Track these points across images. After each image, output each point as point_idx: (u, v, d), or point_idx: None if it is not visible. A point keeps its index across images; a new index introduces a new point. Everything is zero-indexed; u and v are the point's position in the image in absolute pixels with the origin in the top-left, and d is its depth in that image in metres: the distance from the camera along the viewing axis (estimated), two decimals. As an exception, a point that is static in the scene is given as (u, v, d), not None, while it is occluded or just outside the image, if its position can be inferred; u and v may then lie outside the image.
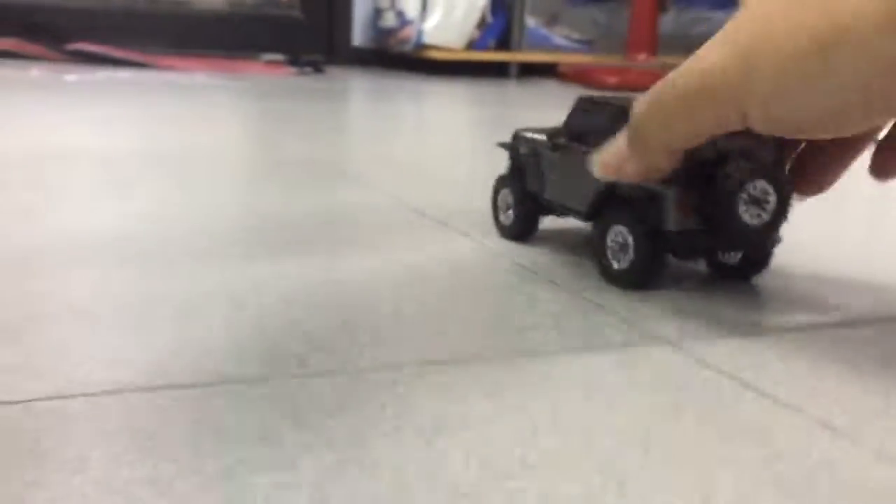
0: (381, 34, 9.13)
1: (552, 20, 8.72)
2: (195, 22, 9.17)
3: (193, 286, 1.54)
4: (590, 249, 1.52)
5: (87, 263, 1.77)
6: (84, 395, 1.04)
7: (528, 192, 1.67)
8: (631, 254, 1.36)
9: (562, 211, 1.61)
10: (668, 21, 8.69)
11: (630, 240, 1.35)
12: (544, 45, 8.50)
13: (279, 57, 8.57)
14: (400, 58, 8.46)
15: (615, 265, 1.41)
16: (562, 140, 1.53)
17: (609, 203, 1.41)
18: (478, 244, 1.83)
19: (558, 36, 8.67)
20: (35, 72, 7.14)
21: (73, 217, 2.30)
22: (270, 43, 8.76)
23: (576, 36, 8.72)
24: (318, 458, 0.89)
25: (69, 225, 2.27)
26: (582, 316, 1.35)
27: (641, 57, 8.38)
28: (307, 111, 5.49)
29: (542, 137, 1.60)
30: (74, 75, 7.05)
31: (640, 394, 1.09)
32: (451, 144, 4.35)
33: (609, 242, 1.41)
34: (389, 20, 9.11)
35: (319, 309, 1.38)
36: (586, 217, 1.49)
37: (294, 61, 8.43)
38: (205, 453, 0.89)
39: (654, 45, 8.51)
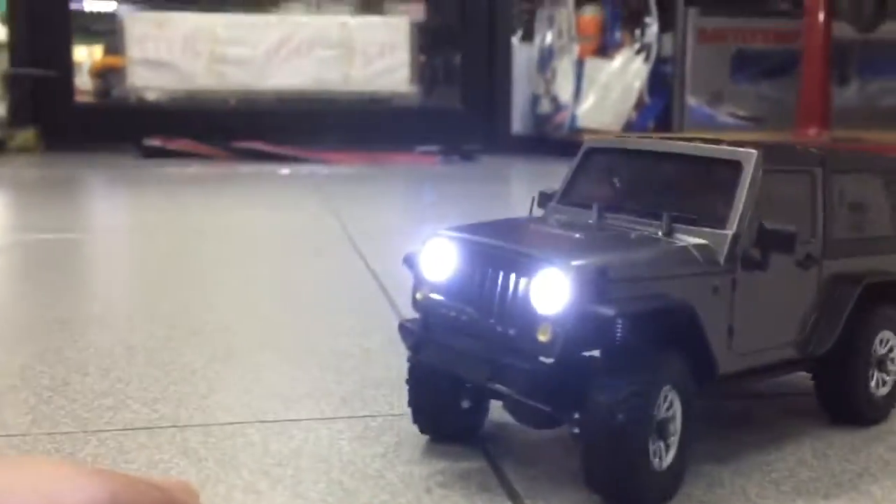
0: (539, 120, 9.03)
1: (716, 98, 8.39)
2: (357, 119, 9.38)
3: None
4: None
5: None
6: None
7: None
8: None
9: None
10: (852, 93, 8.17)
11: None
12: (708, 123, 8.16)
13: (433, 148, 8.63)
14: (558, 143, 8.30)
15: None
16: None
17: None
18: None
19: (723, 114, 8.31)
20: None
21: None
22: (432, 134, 8.80)
23: (742, 113, 8.34)
24: None
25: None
26: None
27: (812, 132, 7.88)
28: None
29: None
30: (248, 167, 7.25)
31: None
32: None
33: None
34: (545, 106, 9.03)
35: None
36: None
37: (444, 151, 8.49)
38: None
39: (827, 118, 8.00)
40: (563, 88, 8.73)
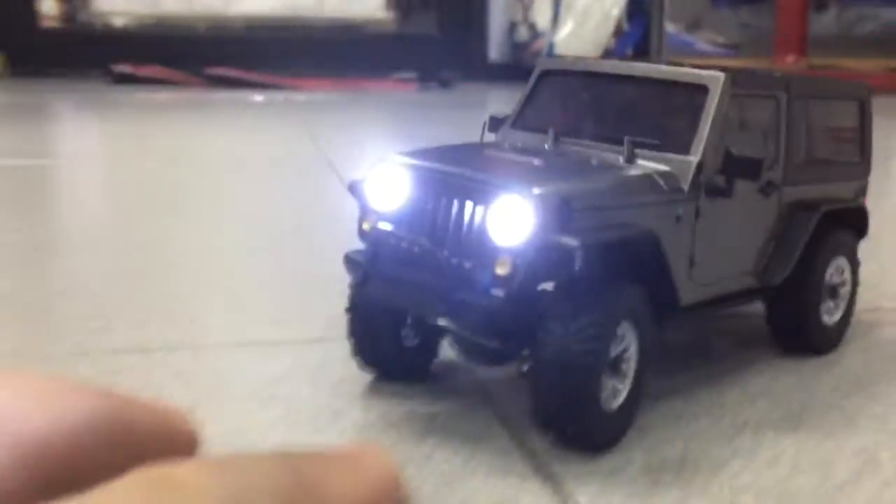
0: (516, 48, 8.95)
1: (694, 25, 8.33)
2: (332, 46, 9.21)
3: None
4: None
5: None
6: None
7: None
8: None
9: None
10: (829, 20, 8.11)
11: None
12: (686, 50, 8.12)
13: (411, 74, 8.52)
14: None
15: None
16: None
17: None
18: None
19: (702, 40, 8.27)
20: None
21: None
22: (408, 61, 8.67)
23: (720, 40, 8.30)
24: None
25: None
26: None
27: (790, 59, 7.87)
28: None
29: None
30: (224, 94, 7.13)
31: None
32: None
33: None
34: (522, 34, 8.93)
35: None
36: None
37: (421, 78, 8.39)
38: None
39: (804, 46, 7.99)
40: (541, 15, 8.62)
